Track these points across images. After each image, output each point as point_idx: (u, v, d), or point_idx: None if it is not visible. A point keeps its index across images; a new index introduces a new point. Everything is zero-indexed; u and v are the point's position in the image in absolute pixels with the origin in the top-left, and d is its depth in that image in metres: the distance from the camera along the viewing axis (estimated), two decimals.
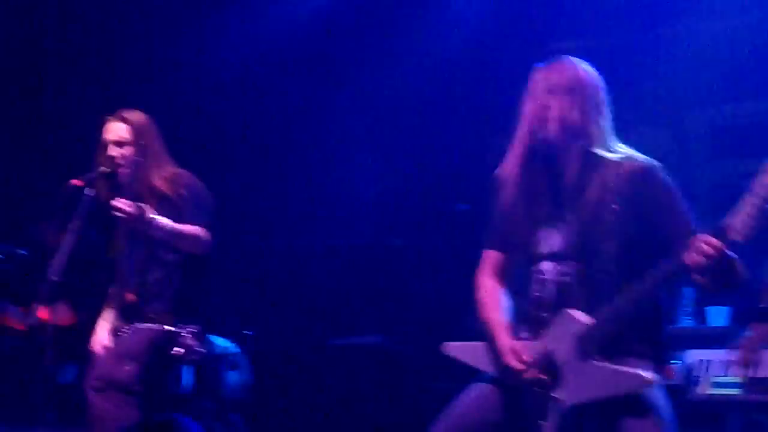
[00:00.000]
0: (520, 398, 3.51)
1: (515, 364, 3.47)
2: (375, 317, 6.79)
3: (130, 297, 4.83)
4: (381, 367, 6.53)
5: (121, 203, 4.54)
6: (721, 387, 4.33)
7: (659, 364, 3.43)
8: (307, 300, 7.03)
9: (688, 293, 5.75)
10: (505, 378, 3.54)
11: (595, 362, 3.41)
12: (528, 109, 3.59)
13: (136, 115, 4.92)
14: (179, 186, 4.82)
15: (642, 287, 3.36)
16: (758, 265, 4.55)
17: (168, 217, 4.71)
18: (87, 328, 5.13)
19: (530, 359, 3.46)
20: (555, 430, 3.43)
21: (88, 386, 4.65)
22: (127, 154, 4.81)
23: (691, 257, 3.21)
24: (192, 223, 4.75)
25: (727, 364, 4.35)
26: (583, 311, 3.45)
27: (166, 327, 4.72)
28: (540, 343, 3.50)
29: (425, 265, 6.69)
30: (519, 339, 3.54)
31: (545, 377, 3.45)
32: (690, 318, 5.73)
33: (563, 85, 3.55)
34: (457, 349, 3.73)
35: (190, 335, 4.71)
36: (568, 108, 3.52)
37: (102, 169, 4.80)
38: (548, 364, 3.47)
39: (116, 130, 4.87)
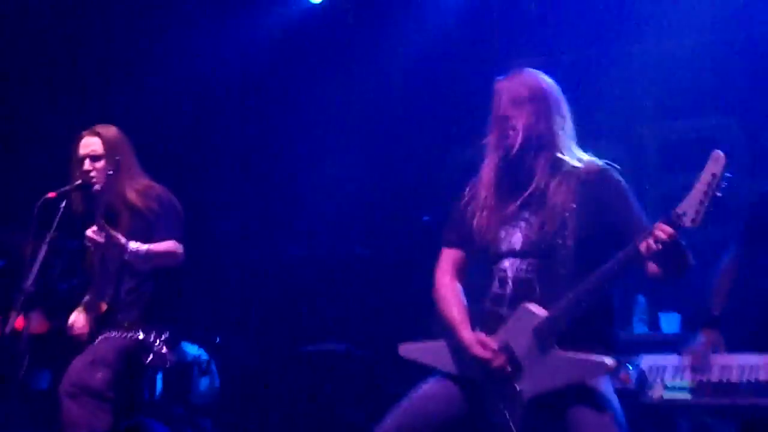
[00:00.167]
0: (477, 392, 3.54)
1: (483, 353, 3.48)
2: (342, 325, 6.78)
3: (104, 306, 4.81)
4: (347, 372, 6.52)
5: (92, 234, 4.52)
6: (673, 391, 4.33)
7: (611, 354, 3.45)
8: (276, 308, 7.01)
9: (641, 302, 5.79)
10: (466, 372, 3.54)
11: (555, 352, 3.43)
12: (494, 119, 3.65)
13: (110, 130, 4.90)
14: (151, 200, 4.80)
15: (599, 276, 3.40)
16: (707, 274, 4.59)
17: (141, 229, 4.69)
18: (61, 336, 5.09)
19: (497, 348, 3.47)
20: (515, 421, 3.45)
21: (62, 392, 4.61)
22: (101, 168, 4.78)
23: (646, 244, 3.27)
24: (164, 237, 4.73)
25: (679, 369, 4.37)
26: (541, 306, 3.48)
27: (138, 335, 4.69)
28: (498, 337, 3.53)
29: (391, 275, 6.69)
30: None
31: (509, 367, 3.46)
32: (644, 325, 5.78)
33: (526, 96, 3.61)
34: (412, 349, 3.75)
35: (161, 343, 4.68)
36: (533, 118, 3.57)
37: (77, 182, 4.78)
38: (508, 358, 3.49)
39: (90, 144, 4.85)
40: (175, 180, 5.02)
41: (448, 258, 3.78)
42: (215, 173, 7.18)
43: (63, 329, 4.99)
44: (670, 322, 5.66)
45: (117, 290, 4.80)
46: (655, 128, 6.72)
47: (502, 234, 3.63)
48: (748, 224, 4.61)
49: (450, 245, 3.79)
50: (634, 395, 4.32)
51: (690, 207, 3.25)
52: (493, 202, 3.65)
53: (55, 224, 4.61)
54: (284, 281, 7.08)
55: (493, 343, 3.49)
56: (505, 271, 3.60)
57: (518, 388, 3.46)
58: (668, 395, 4.30)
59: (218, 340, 6.00)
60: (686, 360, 4.36)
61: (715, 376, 4.29)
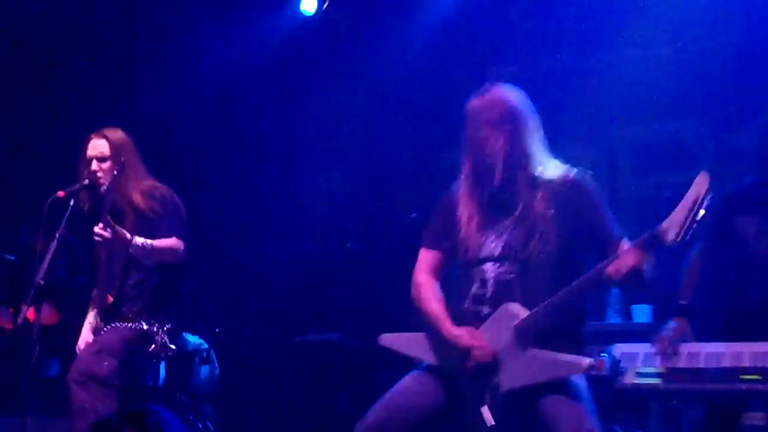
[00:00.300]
0: (455, 385, 3.53)
1: (473, 342, 3.48)
2: (336, 316, 6.77)
3: (110, 299, 4.81)
4: (341, 361, 6.52)
5: (99, 230, 4.51)
6: (644, 377, 4.34)
7: (582, 354, 3.48)
8: (273, 301, 7.01)
9: (616, 294, 5.79)
10: (445, 365, 3.54)
11: (534, 350, 3.44)
12: (470, 139, 3.64)
13: (117, 133, 4.90)
14: (155, 200, 4.80)
15: (572, 290, 3.44)
16: (677, 268, 4.61)
17: (144, 228, 4.70)
18: (69, 326, 5.09)
19: (484, 340, 3.47)
20: (492, 413, 3.46)
21: (70, 380, 4.61)
22: (107, 169, 4.78)
23: (613, 268, 3.34)
24: (167, 235, 4.73)
25: (650, 357, 4.38)
26: (520, 306, 3.48)
27: (143, 326, 4.69)
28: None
29: (380, 269, 6.69)
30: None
31: (492, 360, 3.46)
32: (618, 315, 5.78)
33: (500, 119, 3.59)
34: (393, 340, 3.75)
35: (164, 333, 4.69)
36: (509, 140, 3.57)
37: (84, 182, 4.78)
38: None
39: (98, 146, 4.85)
40: (178, 180, 5.03)
41: (427, 258, 3.77)
42: (216, 175, 7.18)
43: (71, 321, 4.99)
44: (641, 313, 5.66)
45: (123, 283, 4.80)
46: (628, 131, 6.72)
47: (483, 240, 3.62)
48: (713, 222, 4.63)
49: (429, 246, 3.78)
50: (608, 381, 4.33)
51: (674, 224, 3.28)
52: (474, 211, 3.65)
53: (64, 221, 4.61)
54: (281, 276, 7.08)
55: (481, 335, 3.49)
56: (486, 273, 3.60)
57: (496, 382, 3.47)
58: (640, 381, 4.30)
59: (218, 330, 5.99)
60: (657, 348, 4.37)
61: (683, 363, 4.30)
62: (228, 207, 7.15)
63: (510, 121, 3.59)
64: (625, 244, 3.44)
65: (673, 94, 6.34)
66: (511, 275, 3.56)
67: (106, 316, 4.80)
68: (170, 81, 6.87)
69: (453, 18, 6.79)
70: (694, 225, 3.27)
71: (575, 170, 3.65)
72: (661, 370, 4.30)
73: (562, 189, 3.57)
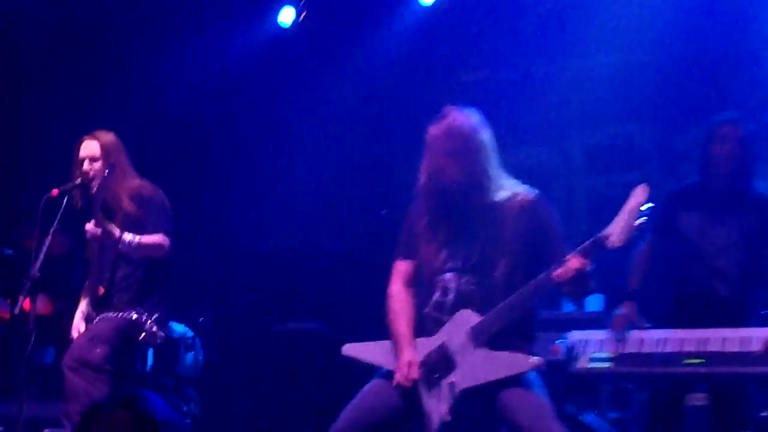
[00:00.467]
0: (415, 387, 3.54)
1: (402, 373, 3.51)
2: (313, 307, 6.78)
3: (101, 290, 4.79)
4: (318, 348, 6.52)
5: (91, 227, 4.51)
6: (596, 361, 4.37)
7: (530, 351, 3.52)
8: (254, 292, 7.00)
9: None
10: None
11: (487, 351, 3.48)
12: (427, 163, 3.64)
13: (107, 135, 4.89)
14: (142, 198, 4.78)
15: (523, 294, 3.47)
16: (626, 260, 4.66)
17: (132, 225, 4.69)
18: (63, 316, 5.08)
19: (416, 374, 3.50)
20: (447, 410, 3.48)
21: (64, 366, 4.60)
22: (99, 169, 4.77)
23: (559, 272, 3.37)
24: (153, 231, 4.73)
25: (602, 343, 4.42)
26: (477, 313, 3.51)
27: (132, 315, 4.68)
28: (438, 338, 3.56)
29: (354, 263, 6.70)
30: (422, 337, 3.58)
31: (435, 377, 3.50)
32: (572, 304, 5.81)
33: (459, 146, 3.57)
34: (356, 349, 3.75)
35: (152, 322, 4.68)
36: (468, 166, 3.56)
37: (77, 181, 4.77)
38: (442, 355, 3.53)
39: (89, 147, 4.84)
40: (164, 180, 5.01)
41: (400, 270, 3.75)
42: (200, 174, 7.15)
43: (64, 311, 4.98)
44: (594, 302, 5.69)
45: (113, 276, 4.79)
46: (582, 135, 6.77)
47: (445, 253, 3.63)
48: (659, 218, 4.68)
49: (402, 257, 3.77)
50: (564, 366, 4.37)
51: (615, 231, 3.33)
52: (435, 224, 3.65)
53: (57, 218, 4.60)
54: (262, 268, 7.07)
55: (414, 369, 3.50)
56: (447, 283, 3.61)
57: (452, 382, 3.49)
58: (592, 366, 4.34)
59: (202, 320, 5.98)
60: (612, 330, 4.41)
61: (632, 349, 4.34)
62: (212, 205, 7.13)
63: (467, 148, 3.57)
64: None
65: (623, 101, 6.39)
66: (472, 287, 3.57)
67: (98, 306, 4.79)
68: (158, 85, 6.85)
69: (422, 30, 6.81)
70: (634, 232, 3.33)
71: (531, 192, 3.65)
72: (612, 355, 4.34)
73: (519, 209, 3.59)
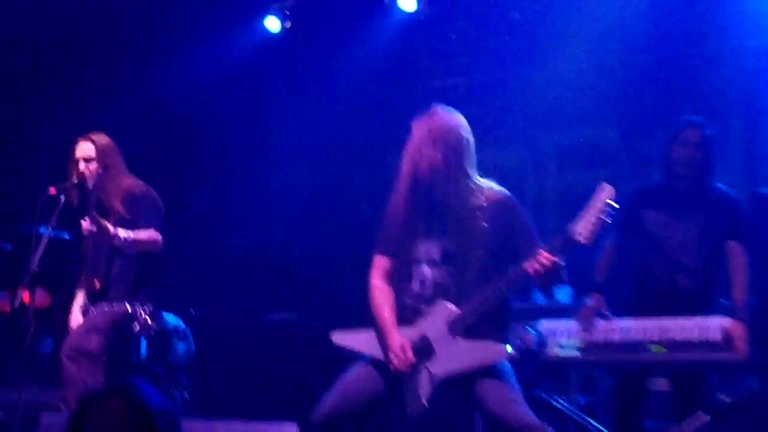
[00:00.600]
0: (397, 373, 3.55)
1: (400, 358, 3.51)
2: (297, 298, 6.78)
3: (97, 284, 4.78)
4: (300, 337, 6.53)
5: (86, 223, 4.50)
6: (565, 349, 4.39)
7: (505, 340, 3.54)
8: (242, 285, 6.99)
9: None
10: (389, 361, 3.56)
11: (464, 341, 3.49)
12: (409, 153, 3.64)
13: (101, 137, 4.88)
14: (135, 197, 4.78)
15: (497, 286, 3.48)
16: (593, 255, 4.68)
17: (126, 222, 4.68)
18: (61, 308, 5.06)
19: (412, 356, 3.50)
20: (427, 397, 3.50)
21: (62, 355, 4.59)
22: (94, 169, 4.76)
23: (532, 266, 3.39)
24: (145, 227, 4.72)
25: (571, 332, 4.44)
26: (454, 304, 3.53)
27: (127, 307, 4.68)
28: (418, 328, 3.57)
29: (334, 255, 6.71)
30: (402, 327, 3.58)
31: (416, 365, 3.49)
32: (542, 296, 5.84)
33: (441, 139, 3.58)
34: (344, 338, 3.74)
35: (146, 314, 4.68)
36: (447, 159, 3.56)
37: (73, 180, 4.76)
38: (424, 344, 3.54)
39: (85, 148, 4.83)
40: (156, 179, 5.01)
41: (380, 264, 3.74)
42: (190, 173, 7.14)
43: (62, 303, 4.96)
44: (563, 294, 5.72)
45: (108, 270, 4.78)
46: (553, 136, 6.79)
47: (422, 245, 3.63)
48: (624, 215, 4.70)
49: (381, 252, 3.76)
50: (535, 354, 4.39)
51: (583, 227, 3.35)
52: (408, 220, 3.65)
53: (55, 215, 4.59)
54: (248, 264, 7.07)
55: (409, 352, 3.51)
56: (425, 275, 3.62)
57: (430, 370, 3.51)
58: (562, 353, 4.36)
59: (193, 312, 5.97)
60: (579, 319, 4.44)
61: (599, 337, 4.37)
62: (202, 204, 7.13)
63: (450, 141, 3.58)
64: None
65: (592, 104, 6.42)
66: (448, 279, 3.58)
67: (94, 298, 4.78)
68: (150, 87, 6.84)
69: (402, 36, 6.82)
70: (599, 229, 3.34)
71: (504, 190, 3.67)
72: (580, 343, 4.36)
73: (493, 206, 3.60)
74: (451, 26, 6.81)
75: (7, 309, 5.73)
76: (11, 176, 6.74)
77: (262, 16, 6.92)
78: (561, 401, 4.60)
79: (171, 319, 5.48)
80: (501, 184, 3.70)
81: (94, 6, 6.66)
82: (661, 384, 4.64)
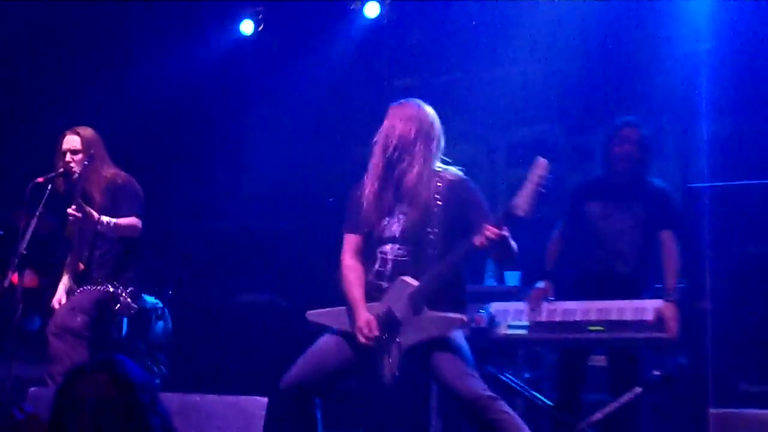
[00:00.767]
0: (366, 347, 3.57)
1: (365, 333, 3.54)
2: (267, 281, 6.79)
3: (81, 266, 4.77)
4: (271, 318, 6.54)
5: (72, 210, 4.48)
6: (514, 329, 4.44)
7: (462, 313, 3.58)
8: (216, 267, 6.98)
9: (491, 263, 5.90)
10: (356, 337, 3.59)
11: (425, 312, 3.53)
12: (383, 129, 3.68)
13: (87, 130, 4.85)
14: (117, 186, 4.77)
15: (450, 260, 3.51)
16: (542, 242, 4.75)
17: (109, 209, 4.66)
18: (48, 289, 5.04)
19: (378, 332, 3.52)
20: (396, 366, 3.54)
21: (49, 332, 4.58)
22: (79, 160, 4.74)
23: (479, 239, 3.41)
24: (127, 214, 4.71)
25: (519, 313, 4.49)
26: (414, 279, 3.57)
27: (109, 288, 4.67)
28: (382, 303, 3.60)
29: (304, 242, 6.72)
30: (370, 303, 3.60)
31: (385, 337, 3.52)
32: (493, 279, 5.90)
33: (410, 118, 3.64)
34: (318, 315, 3.75)
35: (127, 294, 4.67)
36: (414, 141, 3.60)
37: (60, 170, 4.73)
38: (389, 318, 3.57)
39: (71, 141, 4.80)
40: (137, 169, 5.00)
41: (350, 242, 3.75)
42: (168, 164, 7.10)
43: (49, 284, 4.94)
44: (512, 278, 5.77)
45: (92, 253, 4.77)
46: (503, 133, 6.84)
47: (384, 223, 3.65)
48: (569, 206, 4.78)
49: (349, 231, 3.77)
50: (485, 332, 4.43)
51: (522, 201, 3.38)
52: (377, 196, 3.67)
53: (42, 202, 4.57)
54: (223, 247, 7.05)
55: (375, 328, 3.53)
56: (386, 253, 3.64)
57: (398, 341, 3.54)
58: (511, 332, 4.40)
59: (171, 292, 5.97)
60: (529, 302, 4.49)
61: (544, 318, 4.42)
62: (180, 192, 7.09)
63: (422, 126, 3.63)
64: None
65: (540, 104, 6.45)
66: (406, 257, 3.61)
67: (79, 280, 4.76)
68: (133, 84, 6.79)
69: (365, 40, 6.85)
70: (536, 201, 3.36)
71: (460, 173, 3.71)
72: (527, 323, 4.42)
73: (450, 185, 3.65)
74: (412, 31, 6.84)
75: None
76: (2, 169, 6.67)
77: (239, 20, 6.97)
78: (509, 376, 4.65)
79: (150, 299, 5.48)
80: None
81: (78, 10, 6.60)
82: (599, 360, 4.72)
